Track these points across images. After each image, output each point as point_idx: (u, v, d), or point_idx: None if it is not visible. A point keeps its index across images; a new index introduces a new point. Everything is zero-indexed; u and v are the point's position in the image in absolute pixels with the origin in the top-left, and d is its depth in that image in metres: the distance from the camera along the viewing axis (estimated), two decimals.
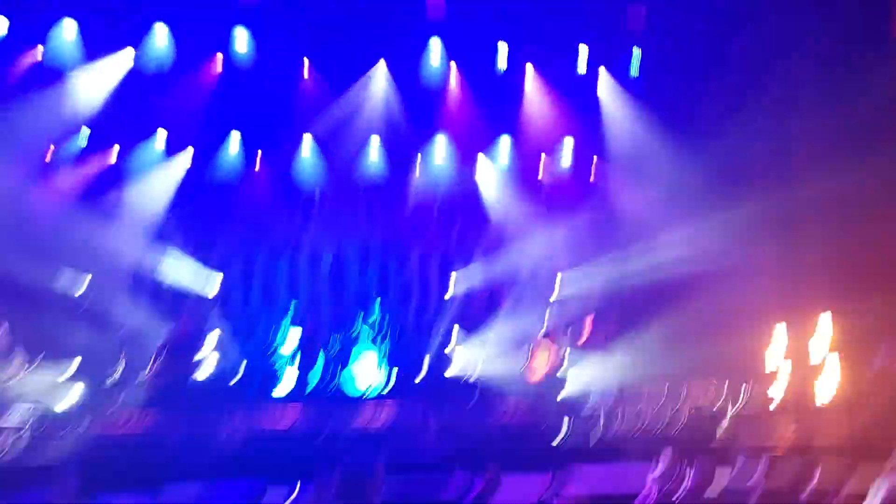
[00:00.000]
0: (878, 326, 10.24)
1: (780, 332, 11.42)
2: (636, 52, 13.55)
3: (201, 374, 11.44)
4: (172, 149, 13.89)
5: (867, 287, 10.60)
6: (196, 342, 10.48)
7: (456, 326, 13.86)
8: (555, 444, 9.48)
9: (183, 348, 10.19)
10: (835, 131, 10.50)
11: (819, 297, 11.04)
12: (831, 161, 10.48)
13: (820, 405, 10.43)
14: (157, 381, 9.80)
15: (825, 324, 10.70)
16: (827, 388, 10.40)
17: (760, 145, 11.53)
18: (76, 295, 12.40)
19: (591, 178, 14.51)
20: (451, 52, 13.67)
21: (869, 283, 10.61)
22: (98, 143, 13.27)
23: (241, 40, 13.11)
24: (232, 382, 10.98)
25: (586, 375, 13.06)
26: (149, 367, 10.13)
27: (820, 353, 10.65)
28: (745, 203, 11.70)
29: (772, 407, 10.26)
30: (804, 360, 10.84)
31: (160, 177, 13.82)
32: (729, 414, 9.85)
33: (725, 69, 11.76)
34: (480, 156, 14.74)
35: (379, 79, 13.84)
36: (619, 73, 13.77)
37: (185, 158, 13.98)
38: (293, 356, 11.79)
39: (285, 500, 6.26)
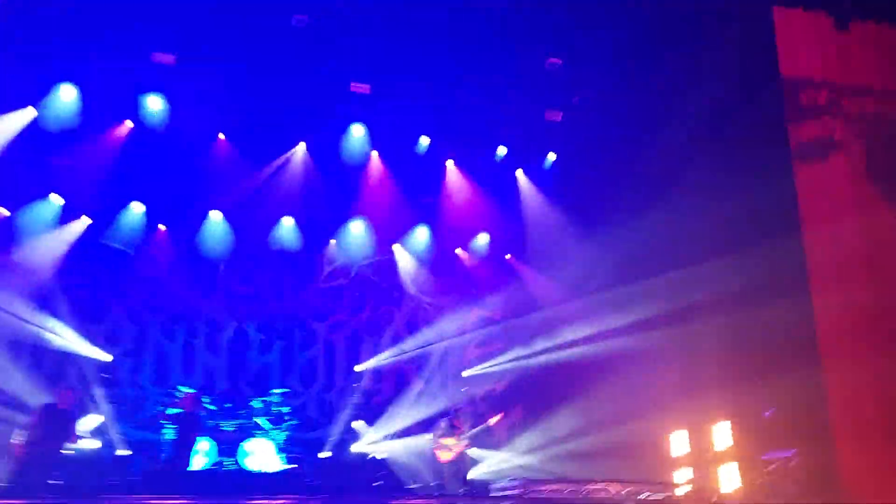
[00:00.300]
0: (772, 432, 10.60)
1: (681, 437, 11.68)
2: (551, 155, 14.14)
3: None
4: (68, 212, 13.21)
5: (763, 377, 11.01)
6: (76, 417, 9.66)
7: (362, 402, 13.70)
8: None
9: (62, 422, 9.31)
10: (728, 227, 11.11)
11: (717, 403, 11.40)
12: (724, 253, 11.05)
13: (717, 501, 10.59)
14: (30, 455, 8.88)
15: (724, 431, 11.01)
16: (727, 486, 10.61)
17: (660, 240, 12.05)
18: None
19: (504, 270, 14.80)
20: (373, 141, 13.78)
21: (765, 372, 11.03)
22: None
23: (155, 107, 12.74)
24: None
25: (493, 463, 13.02)
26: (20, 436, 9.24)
27: (719, 456, 10.92)
28: (646, 295, 12.12)
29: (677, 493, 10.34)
30: (705, 463, 11.07)
31: (51, 240, 13.09)
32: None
33: (633, 169, 12.38)
34: (396, 246, 14.84)
35: (297, 159, 13.76)
36: (536, 172, 14.29)
37: (80, 224, 13.34)
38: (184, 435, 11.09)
39: None
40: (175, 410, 11.23)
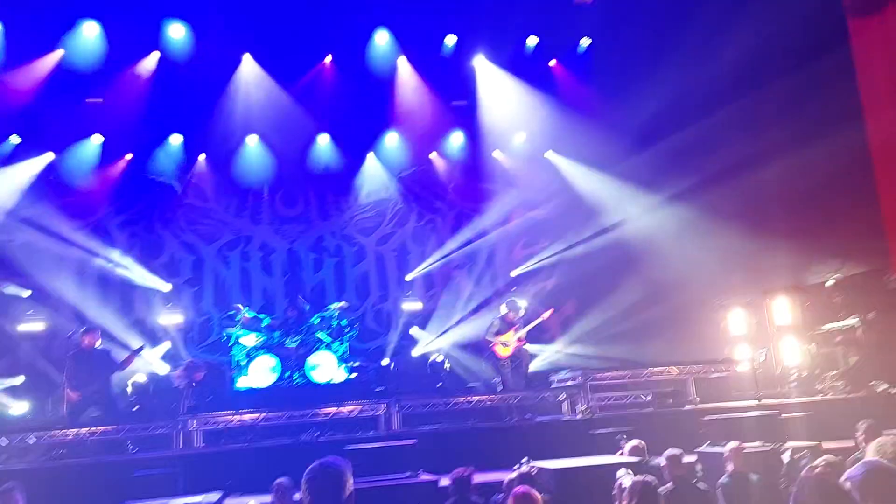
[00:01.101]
0: (833, 303, 10.44)
1: (739, 315, 11.60)
2: (584, 41, 13.61)
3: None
4: (110, 150, 13.39)
5: (824, 264, 10.81)
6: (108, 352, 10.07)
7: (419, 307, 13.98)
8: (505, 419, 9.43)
9: (96, 361, 9.67)
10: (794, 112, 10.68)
11: (777, 280, 11.25)
12: (791, 144, 10.65)
13: (781, 374, 10.62)
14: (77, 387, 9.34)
15: (783, 305, 10.89)
16: (788, 361, 10.60)
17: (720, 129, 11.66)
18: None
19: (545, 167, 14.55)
20: (399, 46, 13.41)
21: (826, 260, 10.81)
22: (31, 145, 12.72)
23: (178, 35, 12.61)
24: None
25: (551, 356, 13.23)
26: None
27: (780, 331, 10.85)
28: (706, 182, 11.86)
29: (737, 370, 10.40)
30: (765, 338, 11.02)
31: (98, 179, 13.38)
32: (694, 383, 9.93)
33: (675, 41, 11.80)
34: (433, 154, 14.67)
35: (326, 74, 13.56)
36: (570, 60, 13.81)
37: (123, 161, 13.55)
38: (251, 352, 11.52)
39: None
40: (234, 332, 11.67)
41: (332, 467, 3.00)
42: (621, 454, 6.88)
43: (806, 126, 10.02)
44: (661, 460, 6.14)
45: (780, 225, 10.91)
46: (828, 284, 10.49)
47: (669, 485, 5.83)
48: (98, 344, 9.83)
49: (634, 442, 6.85)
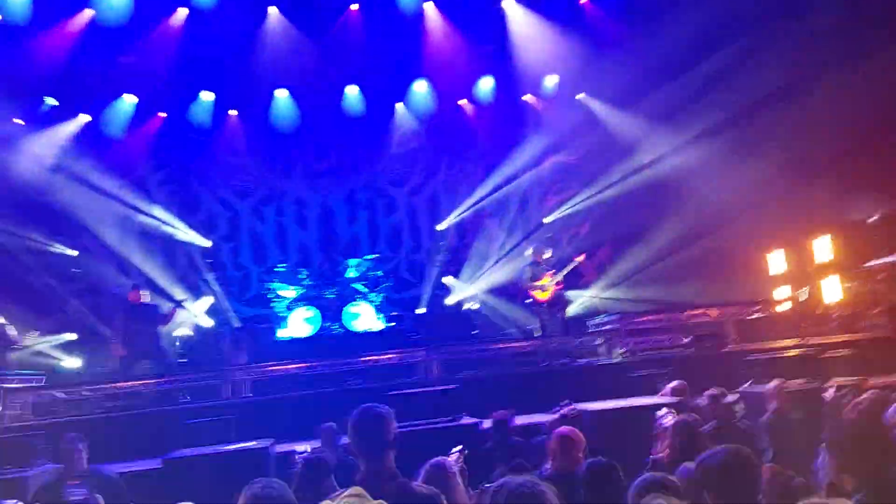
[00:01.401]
0: (876, 240, 10.24)
1: (779, 255, 11.44)
2: None
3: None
4: (143, 109, 13.52)
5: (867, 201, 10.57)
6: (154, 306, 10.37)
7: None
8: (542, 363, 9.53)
9: (141, 315, 9.96)
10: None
11: (818, 218, 11.05)
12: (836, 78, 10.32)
13: (823, 313, 10.50)
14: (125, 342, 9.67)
15: (824, 244, 10.71)
16: (829, 299, 10.48)
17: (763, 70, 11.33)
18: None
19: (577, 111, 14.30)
20: None
21: (870, 197, 10.57)
22: (66, 106, 12.89)
23: None
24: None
25: (588, 300, 13.24)
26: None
27: (821, 269, 10.70)
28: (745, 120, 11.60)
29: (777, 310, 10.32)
30: (806, 278, 10.88)
31: (133, 138, 13.54)
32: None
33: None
34: (463, 101, 14.54)
35: (352, 23, 13.42)
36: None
37: (156, 119, 13.67)
38: (290, 304, 11.75)
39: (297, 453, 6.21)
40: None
41: (375, 411, 3.13)
42: (662, 395, 6.92)
43: (851, 50, 9.66)
44: (703, 400, 6.16)
45: (822, 161, 10.65)
46: (870, 221, 10.28)
47: (713, 423, 5.86)
48: (144, 299, 10.12)
49: (675, 383, 6.88)
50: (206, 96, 13.88)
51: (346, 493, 2.40)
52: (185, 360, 11.28)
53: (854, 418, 3.54)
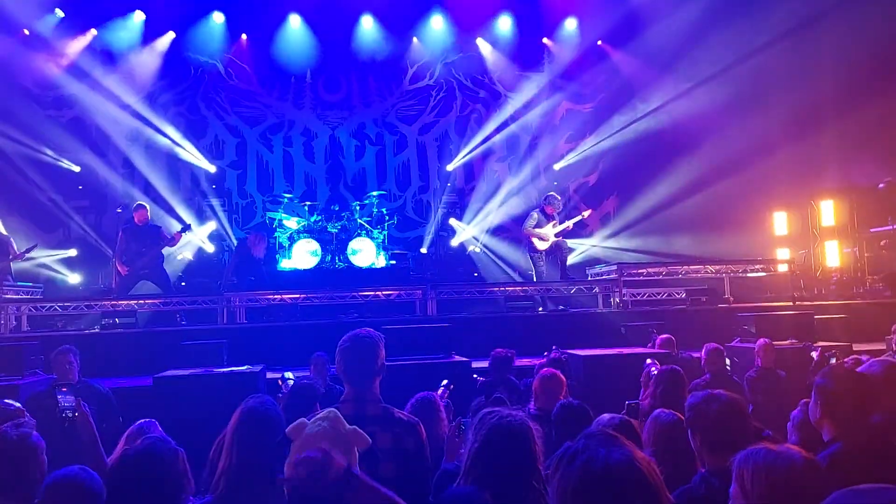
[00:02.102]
0: (882, 207, 10.14)
1: (783, 216, 11.35)
2: None
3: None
4: (151, 27, 13.31)
5: (875, 167, 10.44)
6: (158, 228, 10.38)
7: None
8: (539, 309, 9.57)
9: (144, 236, 9.99)
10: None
11: (825, 182, 10.94)
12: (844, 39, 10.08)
13: (821, 276, 10.49)
14: (127, 262, 9.77)
15: (829, 208, 10.61)
16: (828, 261, 10.44)
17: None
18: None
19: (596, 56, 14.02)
20: None
21: (879, 163, 10.43)
22: (76, 23, 12.70)
23: None
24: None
25: (589, 249, 13.23)
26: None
27: (824, 232, 10.63)
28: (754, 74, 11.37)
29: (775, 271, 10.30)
30: (808, 240, 10.82)
31: (141, 56, 13.36)
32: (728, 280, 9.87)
33: None
34: (480, 40, 14.25)
35: None
36: None
37: (165, 39, 13.46)
38: (293, 235, 11.75)
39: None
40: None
41: (366, 336, 3.11)
42: (651, 347, 6.99)
43: (864, 27, 9.45)
44: (701, 354, 6.24)
45: (827, 114, 10.49)
46: (880, 187, 10.17)
47: (706, 376, 5.93)
48: (148, 220, 10.14)
49: (666, 335, 6.94)
50: (218, 17, 13.63)
51: (319, 416, 2.40)
52: (184, 284, 11.37)
53: (840, 370, 3.56)
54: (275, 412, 2.94)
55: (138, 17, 13.18)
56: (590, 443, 1.65)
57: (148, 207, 10.32)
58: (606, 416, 3.37)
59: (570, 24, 14.10)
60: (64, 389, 4.23)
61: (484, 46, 14.35)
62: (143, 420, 3.82)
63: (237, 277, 10.15)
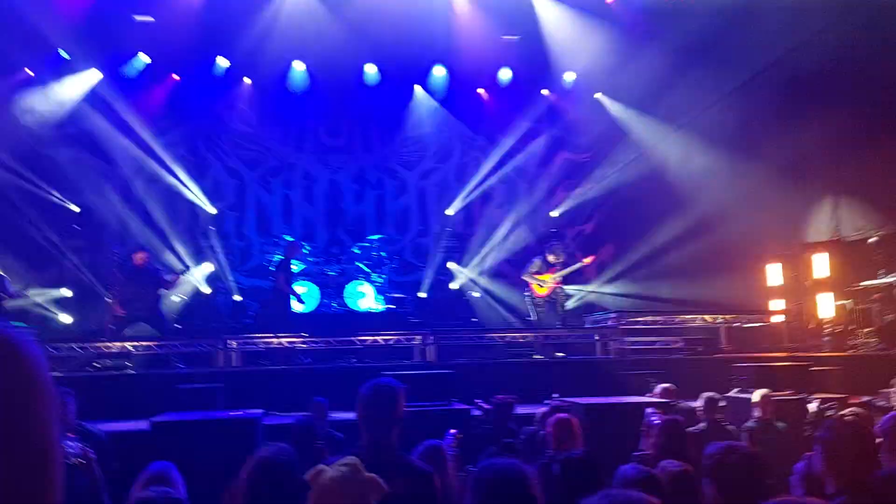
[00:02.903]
0: (873, 260, 10.30)
1: (777, 268, 11.48)
2: None
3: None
4: (156, 70, 13.50)
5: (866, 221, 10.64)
6: (157, 270, 10.44)
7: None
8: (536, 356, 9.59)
9: (143, 277, 10.05)
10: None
11: (817, 235, 11.13)
12: (835, 95, 10.37)
13: (815, 328, 10.57)
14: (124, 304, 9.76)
15: (822, 260, 10.74)
16: (822, 315, 10.52)
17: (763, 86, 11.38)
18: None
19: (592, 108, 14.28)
20: None
21: (869, 217, 10.63)
22: (80, 64, 12.88)
23: None
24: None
25: (587, 297, 13.28)
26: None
27: (817, 284, 10.75)
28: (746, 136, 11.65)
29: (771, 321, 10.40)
30: (802, 291, 10.93)
31: (146, 100, 13.52)
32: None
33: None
34: (481, 90, 14.53)
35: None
36: None
37: (168, 81, 13.66)
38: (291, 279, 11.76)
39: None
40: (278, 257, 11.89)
41: (389, 384, 3.15)
42: (652, 396, 7.01)
43: (856, 82, 9.74)
44: (698, 402, 6.28)
45: (823, 178, 10.71)
46: (870, 241, 10.33)
47: (702, 425, 5.95)
48: (147, 262, 10.19)
49: (666, 384, 6.98)
50: (222, 62, 13.83)
51: (341, 462, 2.43)
52: (180, 327, 11.34)
53: (843, 424, 3.59)
54: (291, 461, 2.95)
55: (143, 59, 13.38)
56: None
57: (147, 250, 10.36)
58: (630, 468, 3.34)
59: (570, 77, 14.39)
60: (71, 435, 4.20)
61: (485, 95, 14.60)
62: (157, 462, 3.79)
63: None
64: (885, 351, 9.22)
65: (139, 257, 10.08)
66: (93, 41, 12.52)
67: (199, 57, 13.61)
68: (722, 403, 6.39)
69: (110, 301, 10.12)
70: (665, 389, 6.91)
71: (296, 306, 11.21)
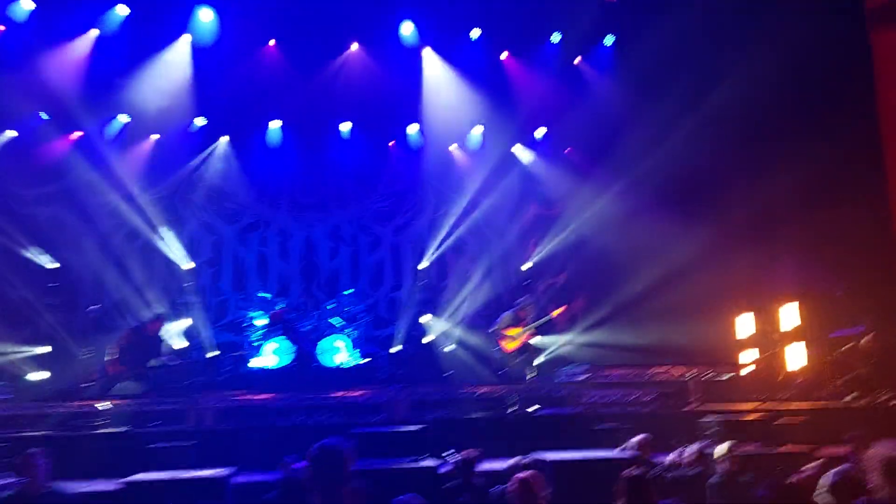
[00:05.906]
0: (841, 312, 10.56)
1: (747, 319, 11.68)
2: (609, 38, 13.74)
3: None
4: (136, 130, 13.68)
5: (833, 274, 10.94)
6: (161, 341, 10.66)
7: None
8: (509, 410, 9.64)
9: (150, 346, 10.30)
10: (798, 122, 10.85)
11: (785, 287, 11.41)
12: (799, 151, 10.80)
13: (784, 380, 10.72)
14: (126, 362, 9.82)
15: (791, 312, 10.96)
16: (792, 366, 10.68)
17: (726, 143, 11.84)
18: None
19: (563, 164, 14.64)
20: (424, 37, 13.63)
21: (835, 270, 10.94)
22: (60, 121, 13.05)
23: (207, 20, 12.92)
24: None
25: (557, 350, 13.37)
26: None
27: (786, 336, 10.94)
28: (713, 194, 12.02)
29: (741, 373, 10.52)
30: (771, 343, 11.11)
31: (124, 156, 13.65)
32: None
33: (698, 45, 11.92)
34: (454, 147, 14.86)
35: (351, 62, 13.76)
36: (595, 58, 13.95)
37: (148, 141, 13.82)
38: (266, 334, 11.79)
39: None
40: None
41: (332, 447, 3.25)
42: (625, 449, 7.08)
43: (819, 139, 10.15)
44: (673, 455, 6.35)
45: (791, 234, 11.03)
46: (838, 293, 10.58)
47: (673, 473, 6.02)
48: (159, 331, 10.45)
49: (640, 437, 7.06)
50: (199, 121, 14.06)
51: None
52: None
53: (794, 483, 3.71)
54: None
55: (122, 119, 13.56)
56: None
57: (163, 319, 10.96)
58: None
59: (540, 132, 14.75)
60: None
61: (457, 153, 14.91)
62: None
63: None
64: (854, 402, 9.36)
65: (153, 326, 10.62)
66: (73, 103, 12.71)
67: (178, 116, 13.81)
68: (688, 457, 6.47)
69: (109, 357, 10.18)
70: (640, 441, 7.00)
71: (277, 360, 11.31)
